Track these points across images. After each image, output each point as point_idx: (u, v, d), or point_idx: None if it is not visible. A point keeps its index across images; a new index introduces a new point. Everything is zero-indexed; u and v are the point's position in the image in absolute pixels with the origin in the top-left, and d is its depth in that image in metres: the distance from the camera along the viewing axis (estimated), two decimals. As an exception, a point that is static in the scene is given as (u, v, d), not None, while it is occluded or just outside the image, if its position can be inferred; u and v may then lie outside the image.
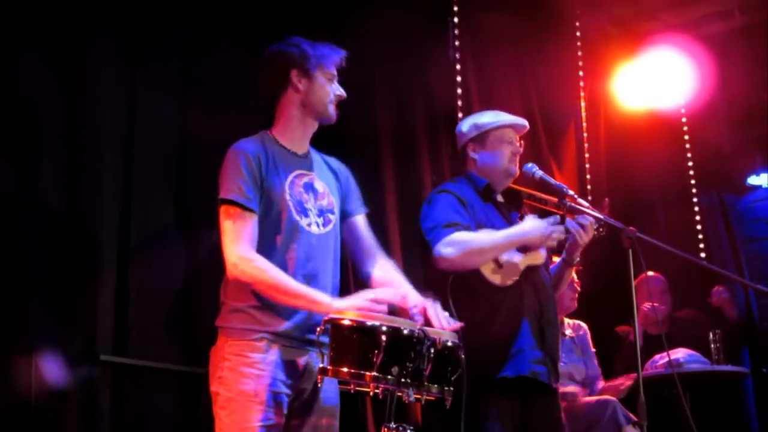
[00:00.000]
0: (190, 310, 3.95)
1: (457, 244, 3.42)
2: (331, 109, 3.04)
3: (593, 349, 5.23)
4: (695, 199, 6.84)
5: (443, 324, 2.78)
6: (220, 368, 2.84)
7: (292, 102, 3.03)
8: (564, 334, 5.12)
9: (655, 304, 5.23)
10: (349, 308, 2.68)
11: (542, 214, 3.82)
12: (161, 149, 4.01)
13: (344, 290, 3.01)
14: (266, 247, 2.88)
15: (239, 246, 2.83)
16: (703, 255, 6.60)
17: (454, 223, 3.48)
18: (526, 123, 3.78)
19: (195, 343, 3.88)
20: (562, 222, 3.57)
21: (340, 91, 3.06)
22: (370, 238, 3.15)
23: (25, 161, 3.53)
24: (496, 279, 3.50)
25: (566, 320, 5.18)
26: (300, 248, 2.91)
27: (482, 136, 3.71)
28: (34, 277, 3.47)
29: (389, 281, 3.03)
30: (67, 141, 3.66)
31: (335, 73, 3.06)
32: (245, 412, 2.77)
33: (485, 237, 3.49)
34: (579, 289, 5.04)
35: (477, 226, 3.55)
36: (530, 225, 3.52)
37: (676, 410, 4.72)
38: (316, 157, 3.13)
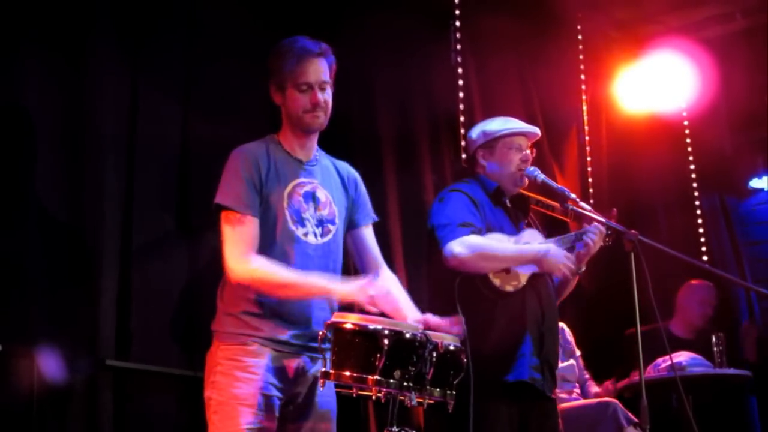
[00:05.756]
0: (192, 314, 3.95)
1: (471, 246, 3.41)
2: (308, 119, 2.96)
3: (578, 353, 5.21)
4: (697, 202, 6.82)
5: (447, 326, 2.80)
6: (214, 373, 2.84)
7: (283, 111, 3.03)
8: None
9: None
10: (350, 293, 2.75)
11: (548, 220, 3.81)
12: (163, 153, 4.02)
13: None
14: (262, 254, 2.86)
15: (236, 251, 2.82)
16: (705, 258, 6.60)
17: (469, 223, 3.47)
18: (537, 131, 3.74)
19: (196, 346, 3.86)
20: (578, 239, 3.58)
21: (317, 98, 2.93)
22: (375, 250, 3.14)
23: (27, 165, 3.53)
24: (501, 283, 3.50)
25: None
26: (295, 257, 2.89)
27: (491, 144, 3.70)
28: (37, 281, 3.47)
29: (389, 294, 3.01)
30: (69, 145, 3.66)
31: (310, 81, 2.91)
32: (236, 415, 2.76)
33: (500, 246, 3.49)
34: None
35: (487, 228, 3.54)
36: (547, 249, 3.49)
37: (678, 414, 4.73)
38: (325, 162, 3.10)
